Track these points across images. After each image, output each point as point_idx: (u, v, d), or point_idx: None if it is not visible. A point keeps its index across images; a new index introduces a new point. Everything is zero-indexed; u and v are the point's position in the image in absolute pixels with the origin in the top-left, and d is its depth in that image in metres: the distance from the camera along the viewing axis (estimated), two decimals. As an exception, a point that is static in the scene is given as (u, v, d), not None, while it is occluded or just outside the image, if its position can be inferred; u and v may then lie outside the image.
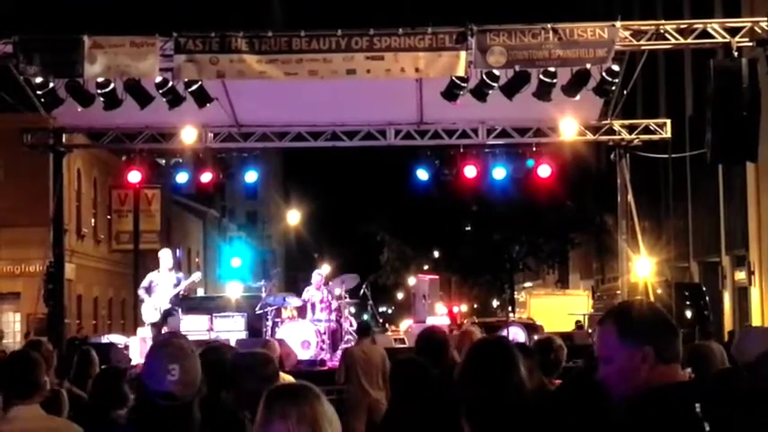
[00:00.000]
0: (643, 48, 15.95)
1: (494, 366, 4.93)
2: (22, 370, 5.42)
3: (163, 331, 17.39)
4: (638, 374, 3.39)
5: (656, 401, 3.32)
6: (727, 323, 32.32)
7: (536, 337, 14.94)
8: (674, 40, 15.59)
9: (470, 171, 20.12)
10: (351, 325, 19.20)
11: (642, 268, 20.21)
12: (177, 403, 4.02)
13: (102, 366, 8.87)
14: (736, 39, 15.02)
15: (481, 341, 5.41)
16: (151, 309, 17.60)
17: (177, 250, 19.44)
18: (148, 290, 17.73)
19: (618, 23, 15.08)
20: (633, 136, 19.78)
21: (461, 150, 20.12)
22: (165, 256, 18.25)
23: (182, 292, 18.20)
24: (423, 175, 20.88)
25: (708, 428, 3.25)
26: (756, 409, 3.43)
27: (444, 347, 7.25)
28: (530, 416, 5.03)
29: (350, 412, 12.53)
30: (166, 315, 17.57)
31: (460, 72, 15.13)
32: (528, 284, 62.03)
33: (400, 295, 72.93)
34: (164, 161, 20.76)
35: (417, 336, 7.85)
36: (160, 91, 15.83)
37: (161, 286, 17.65)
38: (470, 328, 16.88)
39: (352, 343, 17.27)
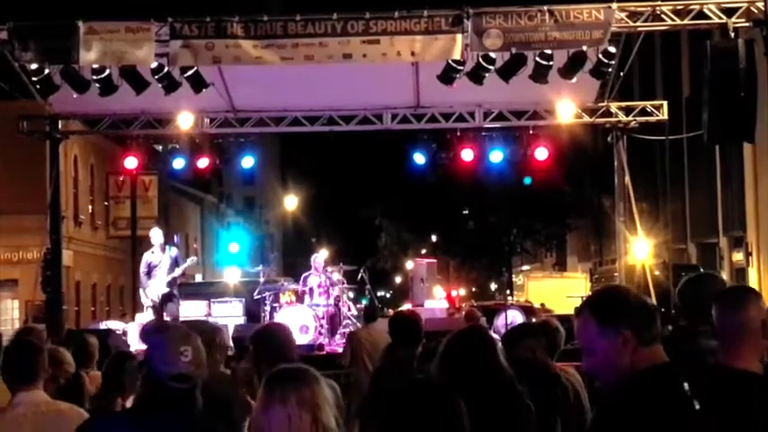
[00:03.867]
0: (639, 29, 15.92)
1: (470, 353, 5.02)
2: (23, 356, 5.44)
3: (164, 316, 17.47)
4: (622, 359, 3.40)
5: (645, 383, 3.33)
6: (725, 304, 32.29)
7: (534, 321, 14.94)
8: (670, 21, 15.56)
9: (467, 154, 20.11)
10: (349, 309, 19.21)
11: (640, 250, 20.23)
12: (188, 385, 3.98)
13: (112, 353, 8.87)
14: (733, 19, 14.98)
15: (459, 331, 5.52)
16: (151, 293, 17.63)
17: (175, 236, 19.42)
18: (148, 274, 17.73)
19: (614, 5, 15.03)
20: (630, 118, 19.77)
21: (458, 134, 20.10)
22: (156, 234, 18.24)
23: (179, 278, 18.18)
24: (420, 158, 20.89)
25: (698, 407, 3.26)
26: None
27: (418, 329, 7.53)
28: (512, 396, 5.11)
29: (354, 395, 12.53)
30: (165, 300, 17.58)
31: (457, 55, 15.09)
32: (526, 267, 62.09)
33: (398, 279, 72.96)
34: (160, 147, 20.75)
35: (389, 321, 8.13)
36: (156, 76, 15.80)
37: (159, 268, 17.65)
38: (474, 309, 17.03)
39: (351, 327, 17.31)
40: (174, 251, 18.19)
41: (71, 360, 7.13)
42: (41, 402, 5.31)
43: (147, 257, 18.11)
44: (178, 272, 17.81)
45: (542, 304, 30.32)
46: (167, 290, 17.53)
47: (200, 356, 4.07)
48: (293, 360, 5.43)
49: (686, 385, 3.30)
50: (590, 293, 4.05)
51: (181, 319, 18.06)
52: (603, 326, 3.44)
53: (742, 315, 3.82)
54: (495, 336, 6.14)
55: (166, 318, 17.41)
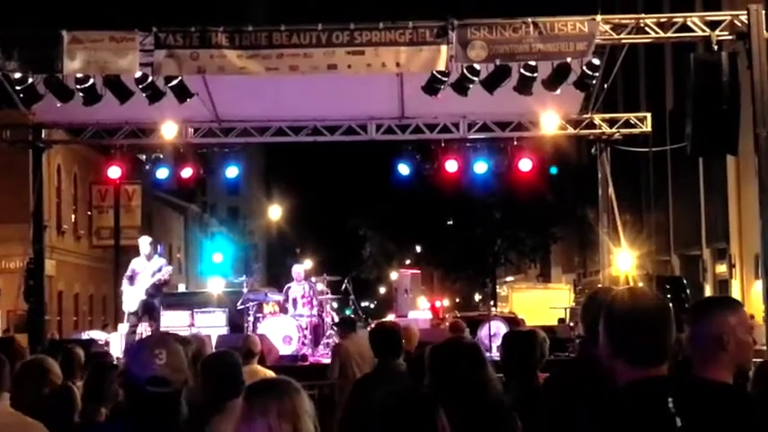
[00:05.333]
0: (623, 41, 15.94)
1: (458, 364, 5.01)
2: None
3: (141, 322, 17.43)
4: (614, 370, 3.42)
5: (629, 396, 3.32)
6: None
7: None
8: (654, 34, 15.60)
9: (452, 165, 20.14)
10: (332, 320, 19.18)
11: (623, 262, 20.28)
12: (167, 390, 3.93)
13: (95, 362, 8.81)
14: (716, 32, 15.03)
15: (446, 342, 5.51)
16: (131, 299, 17.58)
17: (159, 246, 19.35)
18: (131, 278, 17.70)
19: (598, 17, 15.08)
20: (614, 130, 19.84)
21: (443, 145, 20.12)
22: (144, 243, 18.21)
23: (160, 284, 18.09)
24: (404, 169, 20.91)
25: (680, 423, 3.24)
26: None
27: (398, 340, 7.54)
28: (502, 408, 5.10)
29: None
30: (146, 311, 17.52)
31: (441, 66, 15.09)
32: (510, 278, 62.09)
33: (382, 290, 72.94)
34: (144, 157, 20.71)
35: (369, 333, 8.16)
36: (140, 86, 15.76)
37: (142, 275, 17.61)
38: (459, 320, 16.99)
39: (334, 338, 17.22)
40: (160, 261, 18.13)
41: (58, 371, 7.06)
42: (7, 414, 5.29)
43: (133, 263, 18.10)
44: (156, 278, 17.71)
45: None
46: (145, 297, 17.49)
47: (176, 361, 4.00)
48: (238, 388, 5.30)
49: (671, 401, 3.28)
50: (608, 294, 4.07)
51: (169, 329, 18.01)
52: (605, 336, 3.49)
53: (712, 326, 3.81)
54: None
55: (147, 329, 17.35)
